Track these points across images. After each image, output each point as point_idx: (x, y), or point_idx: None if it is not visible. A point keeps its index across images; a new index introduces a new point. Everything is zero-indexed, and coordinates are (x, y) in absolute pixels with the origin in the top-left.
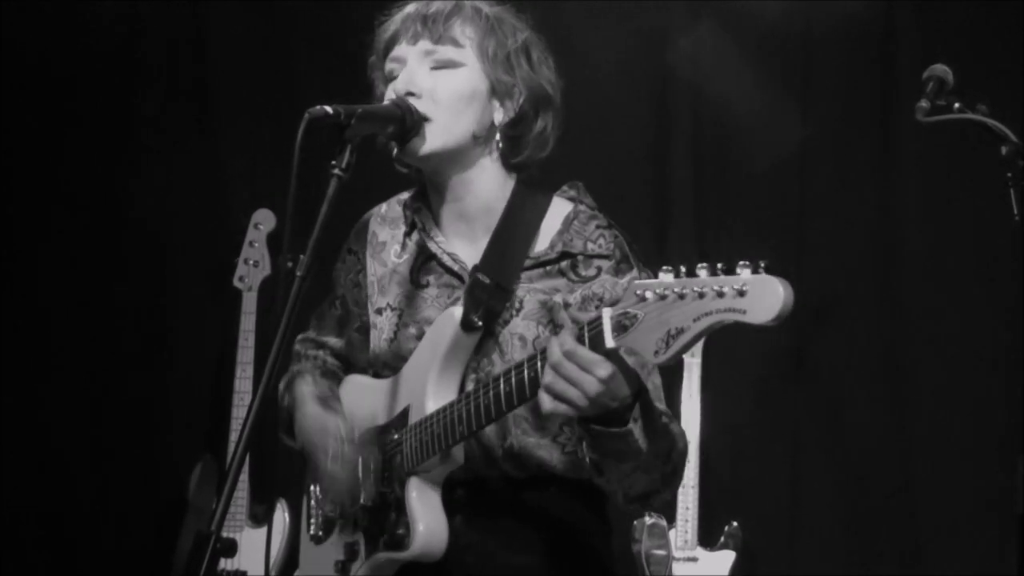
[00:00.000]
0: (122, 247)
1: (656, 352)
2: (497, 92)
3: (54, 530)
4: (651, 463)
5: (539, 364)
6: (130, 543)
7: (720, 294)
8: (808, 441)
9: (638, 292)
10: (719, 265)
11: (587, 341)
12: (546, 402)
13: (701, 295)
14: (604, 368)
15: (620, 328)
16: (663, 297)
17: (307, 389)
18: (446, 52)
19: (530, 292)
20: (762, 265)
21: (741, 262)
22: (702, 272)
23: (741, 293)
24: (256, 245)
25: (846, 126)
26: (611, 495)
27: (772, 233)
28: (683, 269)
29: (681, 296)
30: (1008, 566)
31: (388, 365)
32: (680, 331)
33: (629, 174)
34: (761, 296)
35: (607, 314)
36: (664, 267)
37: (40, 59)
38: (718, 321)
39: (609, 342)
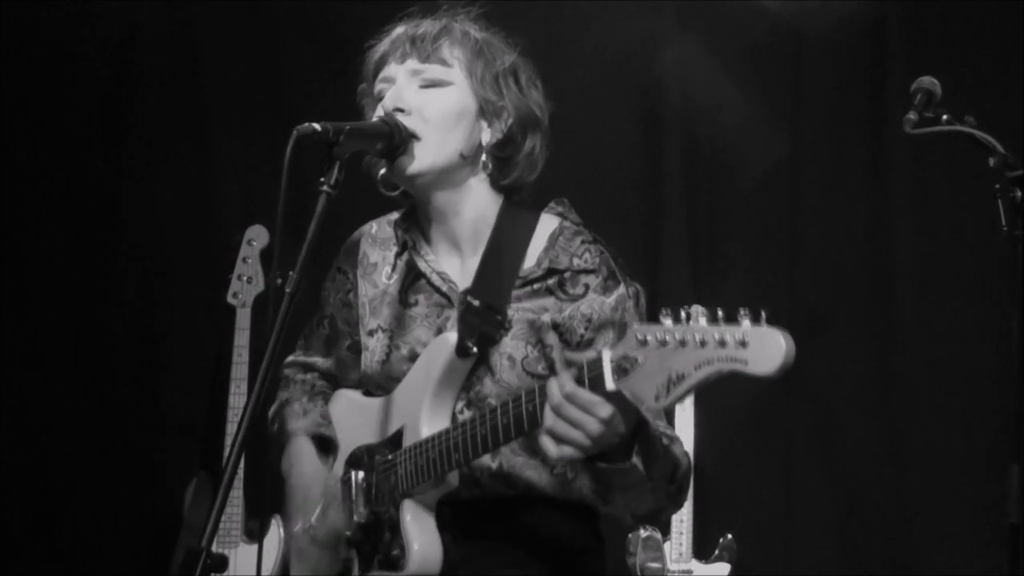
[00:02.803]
0: (116, 263)
1: (657, 397)
2: (485, 112)
3: (49, 548)
4: (656, 486)
5: (537, 399)
6: (126, 561)
7: (722, 343)
8: (801, 452)
9: (639, 336)
10: (720, 312)
11: (587, 382)
12: (551, 447)
13: (703, 343)
14: (605, 409)
15: (620, 371)
16: (664, 343)
17: (300, 424)
18: (434, 71)
19: (518, 311)
20: (764, 316)
21: (742, 311)
22: (702, 319)
23: (743, 344)
24: (249, 261)
25: (837, 138)
26: (618, 517)
27: (764, 245)
28: (683, 314)
29: (683, 343)
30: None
31: (380, 386)
32: (681, 377)
33: (622, 186)
34: (763, 348)
35: (607, 356)
36: (664, 311)
37: (36, 71)
38: (718, 371)
39: (610, 385)
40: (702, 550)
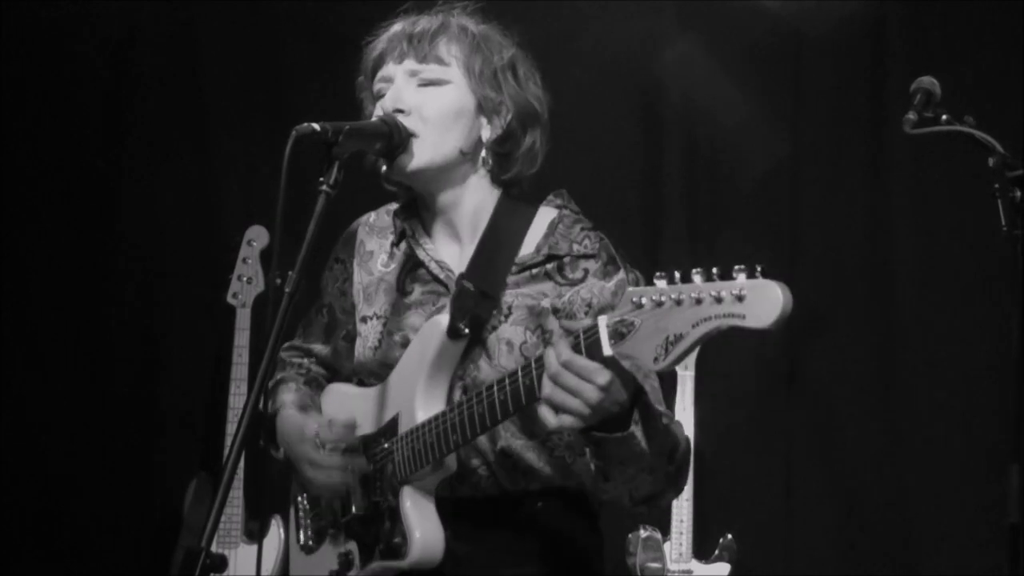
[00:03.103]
0: (116, 263)
1: (656, 359)
2: (484, 109)
3: (49, 548)
4: (655, 464)
5: (534, 373)
6: (126, 561)
7: (718, 299)
8: (801, 452)
9: (634, 299)
10: (714, 270)
11: (584, 350)
12: (549, 417)
13: (699, 301)
14: (603, 375)
15: (617, 335)
16: (660, 304)
17: (289, 396)
18: (432, 71)
19: (518, 297)
20: (759, 269)
21: (737, 266)
22: (697, 277)
23: (740, 298)
24: (249, 262)
25: (837, 138)
26: (617, 499)
27: (764, 244)
28: (677, 275)
29: (678, 302)
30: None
31: (374, 373)
32: (679, 337)
33: (622, 186)
34: (760, 300)
35: (603, 322)
36: (658, 273)
37: (36, 71)
38: (716, 327)
39: (607, 350)
40: (702, 550)
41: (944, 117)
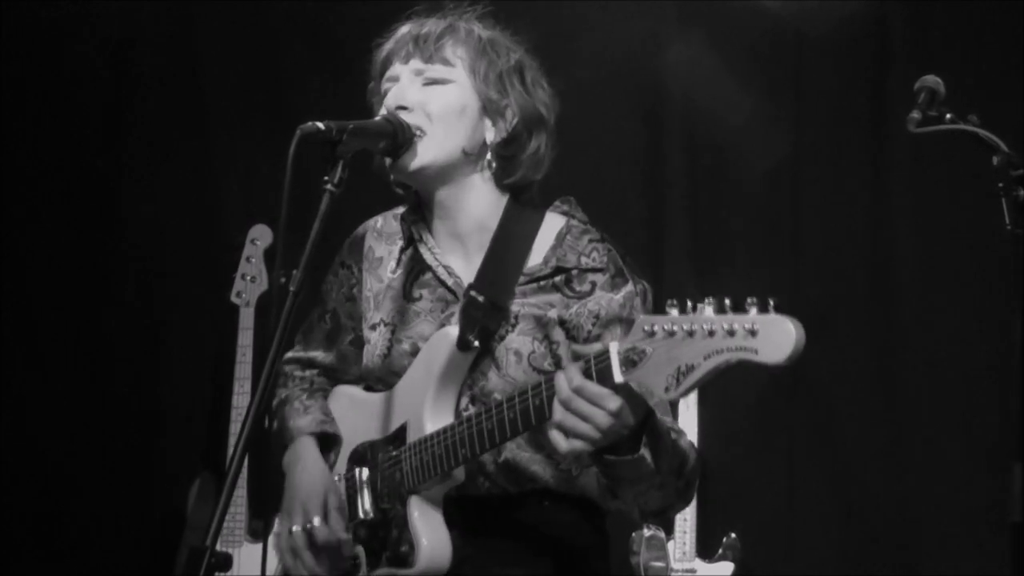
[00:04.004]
0: (116, 263)
1: (667, 388)
2: (489, 111)
3: (49, 548)
4: (665, 481)
5: (544, 393)
6: (126, 561)
7: (731, 332)
8: (804, 452)
9: (646, 327)
10: (726, 301)
11: (595, 375)
12: (560, 441)
13: (711, 333)
14: (614, 401)
15: (628, 363)
16: (672, 333)
17: (302, 421)
18: (437, 70)
19: (524, 307)
20: (772, 304)
21: (749, 299)
22: (709, 308)
23: (752, 332)
24: (253, 261)
25: (838, 138)
26: (627, 512)
27: (765, 244)
28: (689, 304)
29: (690, 333)
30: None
31: (381, 380)
32: (691, 368)
33: (623, 187)
34: (773, 336)
35: (614, 348)
36: (669, 301)
37: (36, 71)
38: (727, 360)
39: (618, 377)
40: (706, 549)
41: (948, 116)
